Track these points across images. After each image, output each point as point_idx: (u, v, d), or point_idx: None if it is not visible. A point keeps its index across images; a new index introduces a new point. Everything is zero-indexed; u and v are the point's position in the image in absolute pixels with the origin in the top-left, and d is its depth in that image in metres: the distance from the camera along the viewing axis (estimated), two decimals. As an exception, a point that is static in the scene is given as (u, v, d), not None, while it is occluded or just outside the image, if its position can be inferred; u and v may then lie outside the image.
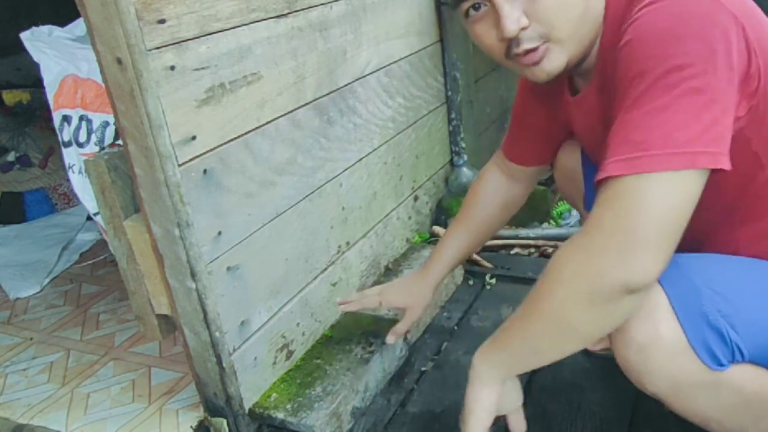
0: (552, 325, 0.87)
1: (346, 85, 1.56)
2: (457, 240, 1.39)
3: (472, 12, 0.93)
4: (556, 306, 0.85)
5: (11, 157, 2.62)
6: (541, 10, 0.87)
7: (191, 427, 1.35)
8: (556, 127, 1.25)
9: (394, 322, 1.57)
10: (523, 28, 0.88)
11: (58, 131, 1.53)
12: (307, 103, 1.42)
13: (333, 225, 1.56)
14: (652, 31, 0.81)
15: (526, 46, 0.90)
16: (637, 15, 0.83)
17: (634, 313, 0.86)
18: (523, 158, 1.34)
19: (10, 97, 2.63)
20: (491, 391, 0.96)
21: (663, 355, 0.87)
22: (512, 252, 2.00)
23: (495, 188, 1.39)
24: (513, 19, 0.87)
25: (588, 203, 1.26)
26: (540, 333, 0.89)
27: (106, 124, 1.45)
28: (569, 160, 1.31)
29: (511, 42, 0.90)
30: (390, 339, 1.42)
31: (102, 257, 2.25)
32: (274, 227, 1.36)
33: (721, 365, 0.87)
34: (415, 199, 1.96)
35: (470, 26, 0.95)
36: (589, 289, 0.81)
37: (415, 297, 1.39)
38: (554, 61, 0.92)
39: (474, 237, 1.40)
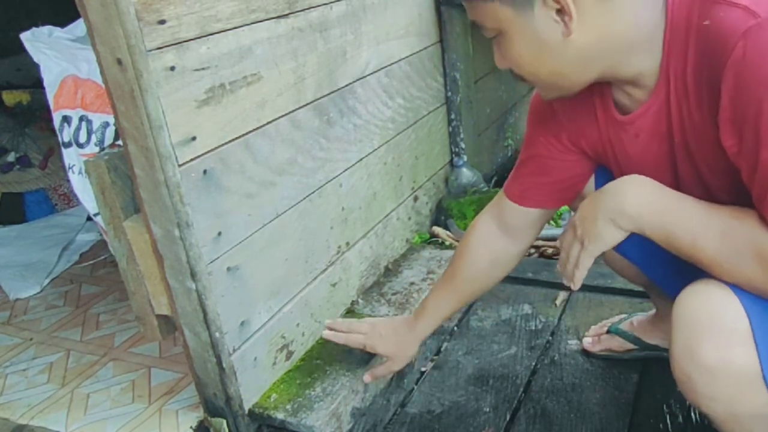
0: (736, 259, 0.83)
1: (346, 86, 1.56)
2: (445, 298, 1.33)
3: None
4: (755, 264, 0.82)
5: (11, 157, 2.62)
6: (509, 60, 0.93)
7: (191, 427, 1.35)
8: (575, 159, 1.14)
9: (394, 322, 1.58)
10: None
11: (58, 132, 1.53)
12: (307, 104, 1.42)
13: (333, 225, 1.57)
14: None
15: (518, 77, 0.96)
16: (745, 36, 0.76)
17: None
18: (527, 198, 1.20)
19: (10, 97, 2.63)
20: (621, 236, 0.93)
21: (731, 381, 0.85)
22: (512, 252, 2.00)
23: (485, 241, 1.27)
24: (498, 59, 0.96)
25: None
26: (719, 247, 0.84)
27: (106, 124, 1.45)
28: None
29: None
30: (367, 378, 1.40)
31: (102, 258, 2.25)
32: (274, 228, 1.36)
33: None
34: (415, 199, 1.96)
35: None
36: None
37: (400, 349, 1.36)
38: (547, 94, 0.99)
39: (460, 295, 1.33)
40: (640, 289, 1.45)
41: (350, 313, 1.64)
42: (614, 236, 0.93)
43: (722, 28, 0.79)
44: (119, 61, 1.03)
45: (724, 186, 0.91)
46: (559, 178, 1.17)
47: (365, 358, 1.46)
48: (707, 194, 0.94)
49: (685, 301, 0.89)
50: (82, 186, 1.50)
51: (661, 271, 0.97)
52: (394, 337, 1.37)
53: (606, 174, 1.11)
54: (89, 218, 2.33)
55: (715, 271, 0.86)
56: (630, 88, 0.94)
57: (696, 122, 0.88)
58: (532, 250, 1.98)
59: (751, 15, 0.76)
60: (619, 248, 1.24)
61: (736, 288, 0.85)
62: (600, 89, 1.00)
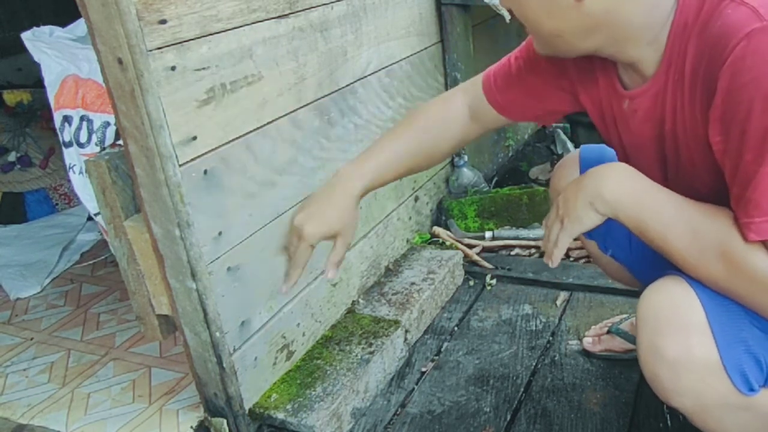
0: (702, 256, 0.85)
1: (346, 86, 1.56)
2: (405, 149, 1.18)
3: None
4: (724, 266, 0.84)
5: (12, 157, 2.62)
6: (518, 5, 0.91)
7: (191, 427, 1.35)
8: (561, 98, 1.13)
9: (394, 322, 1.58)
10: None
11: (58, 131, 1.53)
12: (307, 104, 1.42)
13: (333, 225, 1.56)
14: None
15: (518, 20, 0.95)
16: (748, 35, 0.76)
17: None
18: (504, 107, 1.20)
19: (11, 97, 2.63)
20: (598, 219, 0.94)
21: (694, 373, 0.87)
22: (512, 252, 2.00)
23: (458, 122, 1.25)
24: None
25: None
26: (688, 243, 0.86)
27: (106, 124, 1.45)
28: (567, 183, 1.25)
29: None
30: (331, 273, 1.18)
31: (102, 257, 2.25)
32: (274, 227, 1.36)
33: (753, 390, 0.87)
34: (416, 199, 1.96)
35: None
36: (749, 300, 0.84)
37: (341, 217, 1.14)
38: (542, 49, 0.97)
39: (417, 158, 1.21)
40: (641, 289, 1.45)
41: (351, 313, 1.64)
42: (591, 219, 0.95)
43: (727, 26, 0.78)
44: (120, 61, 1.03)
45: (706, 181, 0.92)
46: (547, 107, 1.17)
47: (366, 357, 1.46)
48: (689, 186, 0.95)
49: (646, 299, 0.92)
50: (82, 185, 1.50)
51: (650, 274, 0.98)
52: (330, 210, 1.15)
53: (591, 161, 1.15)
54: (90, 218, 2.33)
55: (682, 266, 0.89)
56: (629, 70, 0.96)
57: (687, 116, 0.89)
58: (533, 250, 1.98)
59: (757, 17, 0.76)
60: (607, 251, 1.28)
61: (694, 282, 0.87)
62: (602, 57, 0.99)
